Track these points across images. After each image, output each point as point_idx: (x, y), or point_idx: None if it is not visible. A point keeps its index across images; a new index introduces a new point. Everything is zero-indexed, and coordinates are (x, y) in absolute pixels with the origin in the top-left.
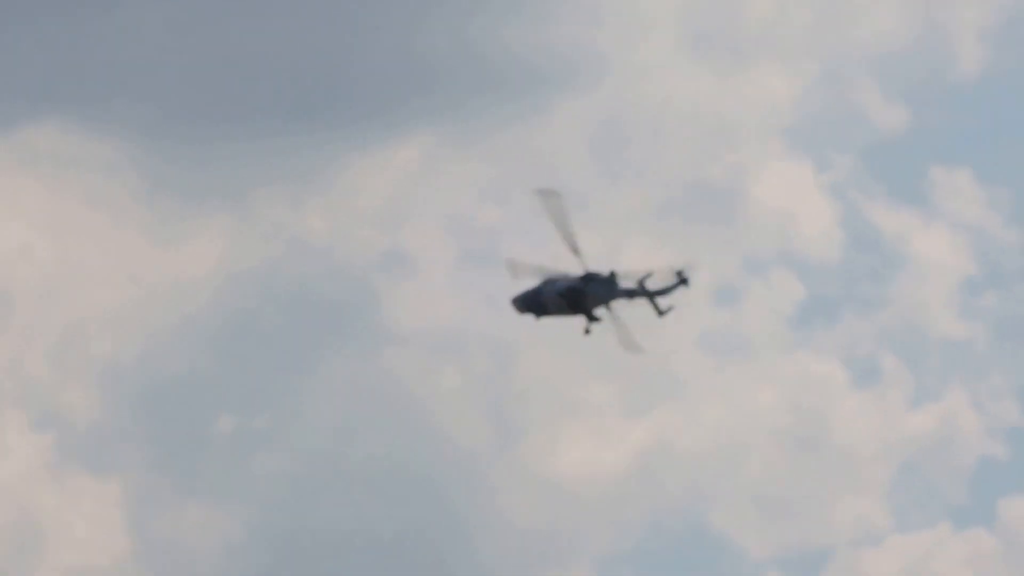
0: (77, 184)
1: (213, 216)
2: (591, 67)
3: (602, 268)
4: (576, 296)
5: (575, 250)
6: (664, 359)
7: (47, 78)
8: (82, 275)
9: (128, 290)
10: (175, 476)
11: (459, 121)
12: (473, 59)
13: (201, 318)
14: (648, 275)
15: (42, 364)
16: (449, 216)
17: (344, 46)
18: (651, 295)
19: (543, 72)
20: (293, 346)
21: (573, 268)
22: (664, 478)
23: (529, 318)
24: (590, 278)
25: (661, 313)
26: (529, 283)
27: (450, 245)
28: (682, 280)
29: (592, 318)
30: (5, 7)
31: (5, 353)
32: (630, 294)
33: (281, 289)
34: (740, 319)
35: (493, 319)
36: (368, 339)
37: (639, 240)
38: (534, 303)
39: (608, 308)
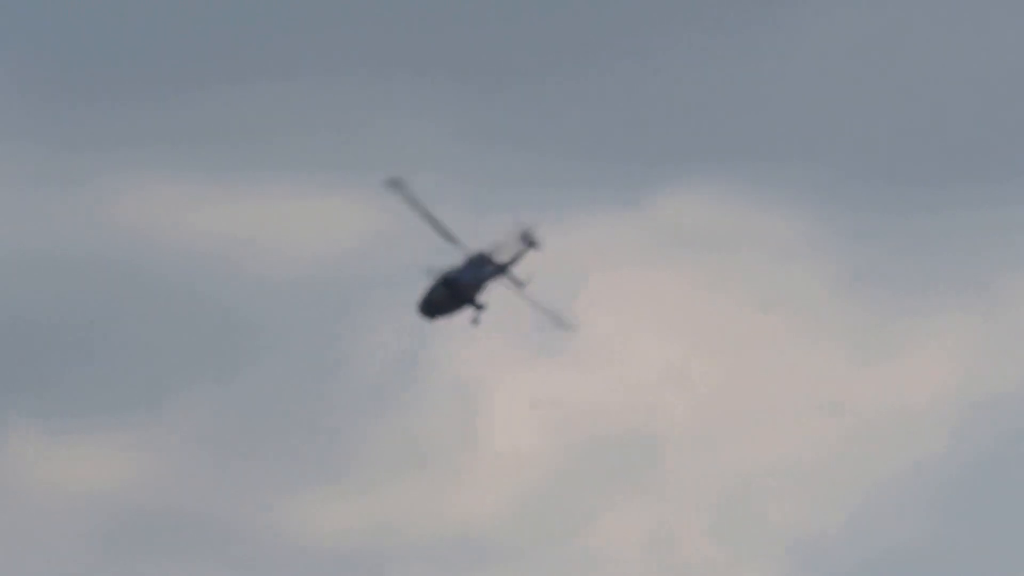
0: (743, 274)
1: (942, 315)
2: None
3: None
4: (454, 285)
5: (449, 237)
6: None
7: (687, 135)
8: (754, 407)
9: (823, 426)
10: None
11: None
12: None
13: (931, 467)
14: (498, 246)
15: (702, 543)
16: None
17: None
18: (506, 268)
19: None
20: None
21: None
22: None
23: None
24: (474, 261)
25: (521, 285)
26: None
27: None
28: (529, 243)
29: (477, 306)
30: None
31: (646, 525)
32: (496, 272)
33: None
34: None
35: None
36: None
37: None
38: (431, 304)
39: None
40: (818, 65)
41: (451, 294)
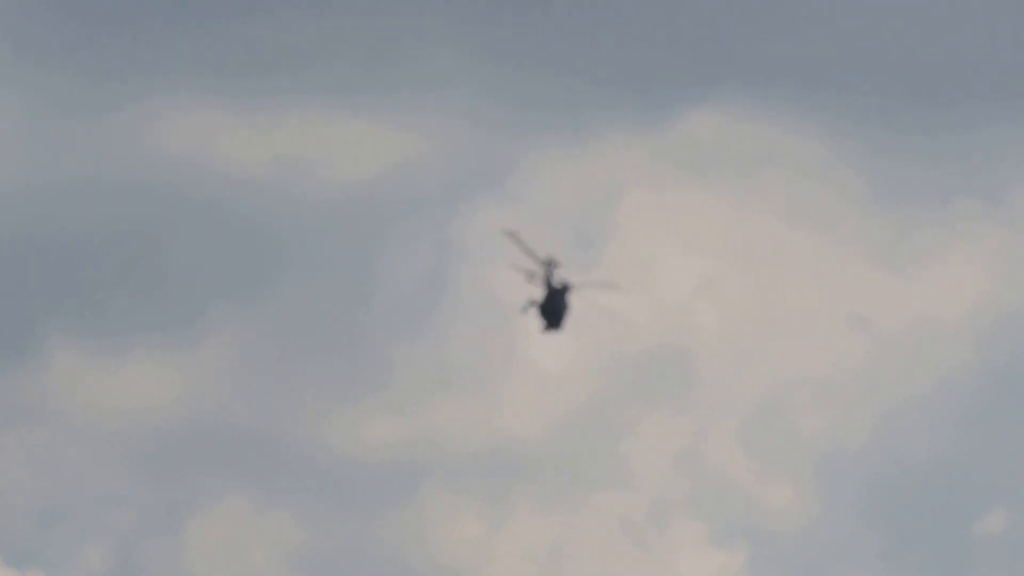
0: (769, 192)
1: (968, 228)
2: None
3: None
4: (542, 309)
5: (533, 277)
6: None
7: (711, 57)
8: (783, 323)
9: (851, 340)
10: None
11: None
12: None
13: (957, 379)
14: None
15: (732, 456)
16: None
17: None
18: (549, 282)
19: None
20: None
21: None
22: None
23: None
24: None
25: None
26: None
27: None
28: (552, 265)
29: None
30: None
31: (678, 439)
32: (551, 288)
33: None
34: None
35: None
36: None
37: None
38: (544, 324)
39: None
40: None
41: (543, 314)
